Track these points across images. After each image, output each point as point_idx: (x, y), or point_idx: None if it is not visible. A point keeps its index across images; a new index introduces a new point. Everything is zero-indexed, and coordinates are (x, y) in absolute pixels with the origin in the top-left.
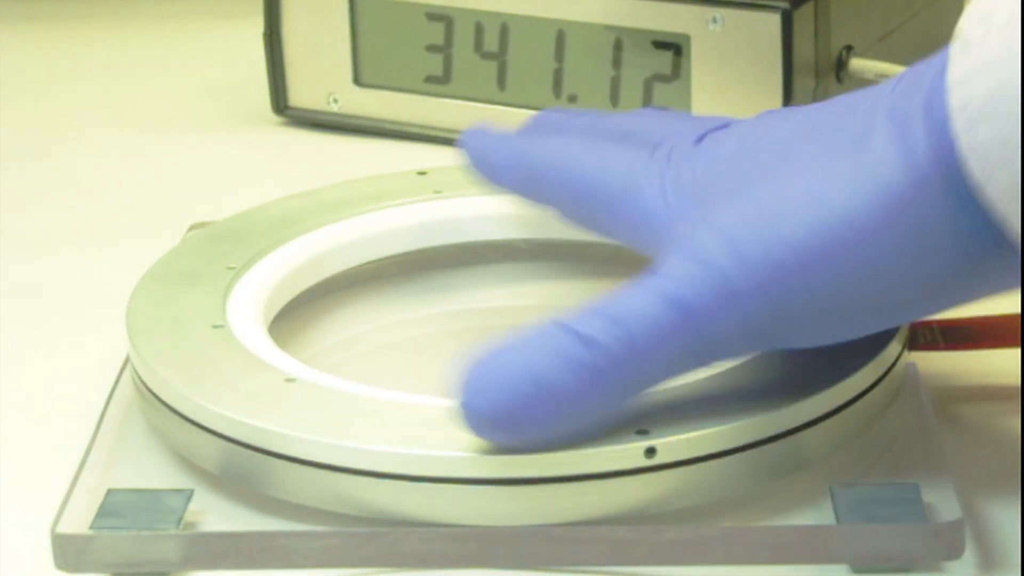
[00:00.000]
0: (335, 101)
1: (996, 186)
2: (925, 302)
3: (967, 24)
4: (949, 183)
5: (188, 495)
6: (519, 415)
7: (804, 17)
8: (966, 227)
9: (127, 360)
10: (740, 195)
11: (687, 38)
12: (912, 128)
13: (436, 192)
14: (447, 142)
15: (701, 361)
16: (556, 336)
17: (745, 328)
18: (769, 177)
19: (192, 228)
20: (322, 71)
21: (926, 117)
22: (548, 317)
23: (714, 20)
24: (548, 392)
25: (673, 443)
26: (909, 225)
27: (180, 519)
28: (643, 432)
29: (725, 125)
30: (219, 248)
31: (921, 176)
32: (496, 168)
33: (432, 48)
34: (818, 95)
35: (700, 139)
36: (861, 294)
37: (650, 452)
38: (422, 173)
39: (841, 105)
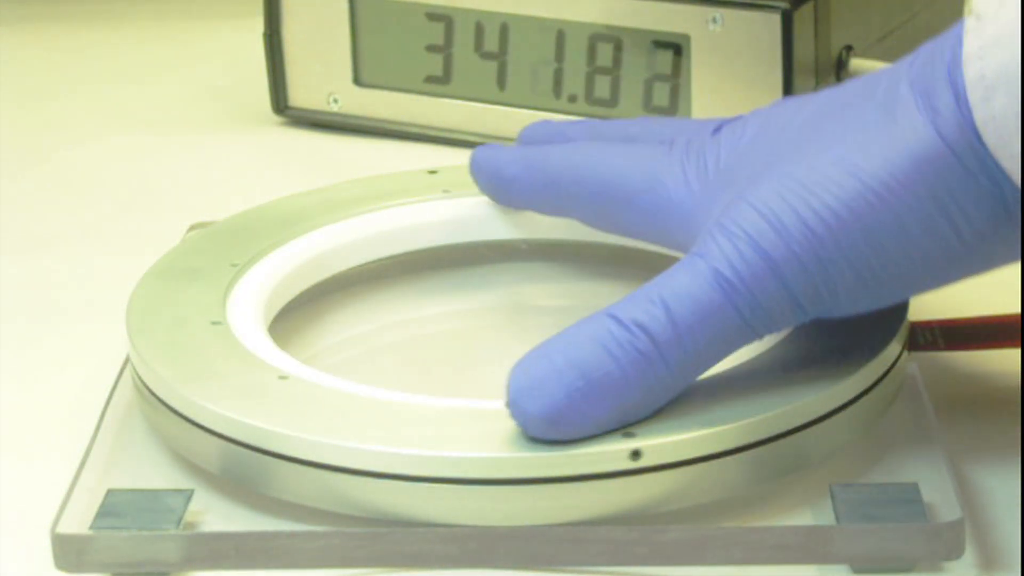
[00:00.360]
0: (335, 101)
1: (1011, 156)
2: (958, 264)
3: None
4: (974, 148)
5: (188, 495)
6: (570, 410)
7: (804, 17)
8: (991, 191)
9: (127, 360)
10: (771, 172)
11: (687, 38)
12: (936, 97)
13: (445, 191)
14: (447, 142)
15: (751, 335)
16: (598, 324)
17: (787, 298)
18: (799, 153)
19: (192, 228)
20: (322, 71)
21: (950, 85)
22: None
23: (714, 20)
24: (596, 383)
25: (673, 443)
26: (937, 189)
27: (180, 519)
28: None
29: (735, 119)
30: (221, 246)
31: (947, 141)
32: (511, 183)
33: (432, 48)
34: None
35: (717, 130)
36: (896, 258)
37: (634, 455)
38: (432, 172)
39: (861, 84)
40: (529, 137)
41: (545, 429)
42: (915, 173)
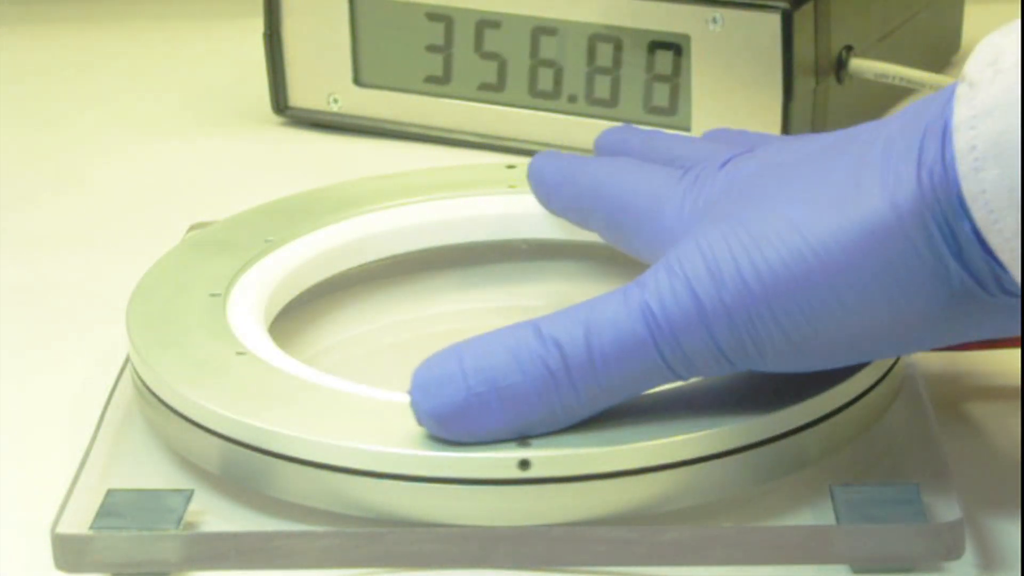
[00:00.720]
0: (335, 101)
1: (1001, 231)
2: (897, 342)
3: (974, 66)
4: (926, 227)
5: (188, 495)
6: (464, 414)
7: (804, 17)
8: (940, 272)
9: (127, 360)
10: (731, 215)
11: (687, 38)
12: (901, 167)
13: (510, 187)
14: (447, 142)
15: (670, 376)
16: (519, 333)
17: (711, 347)
18: (761, 200)
19: (192, 228)
20: (322, 71)
21: (918, 156)
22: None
23: (714, 20)
24: (498, 392)
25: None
26: (881, 264)
27: (180, 519)
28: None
29: (743, 153)
30: (261, 225)
31: (900, 216)
32: (550, 190)
33: (432, 48)
34: (818, 95)
35: (725, 163)
36: (831, 327)
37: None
38: (511, 167)
39: (847, 135)
40: (601, 143)
41: (436, 428)
42: (860, 243)
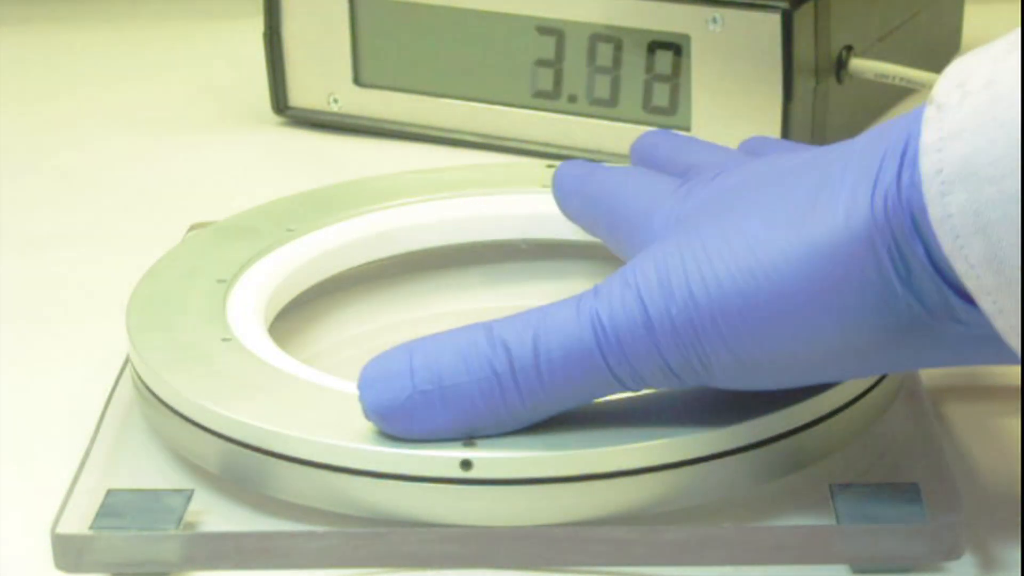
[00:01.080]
0: (335, 101)
1: (967, 257)
2: (847, 366)
3: (942, 88)
4: (875, 250)
5: (188, 495)
6: (407, 411)
7: (804, 17)
8: (887, 297)
9: (127, 360)
10: (694, 228)
11: (687, 38)
12: (857, 188)
13: (543, 186)
14: (447, 142)
15: (617, 387)
16: (470, 333)
17: (658, 360)
18: (723, 214)
19: (192, 228)
20: (322, 71)
21: (874, 179)
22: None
23: (714, 20)
24: (443, 391)
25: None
26: (830, 286)
27: (180, 519)
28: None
29: (736, 166)
30: (283, 213)
31: (851, 239)
32: (566, 196)
33: (433, 48)
34: (818, 95)
35: (716, 175)
36: (778, 347)
37: (464, 464)
38: (551, 166)
39: (822, 151)
40: (635, 148)
41: (381, 423)
42: (809, 264)
